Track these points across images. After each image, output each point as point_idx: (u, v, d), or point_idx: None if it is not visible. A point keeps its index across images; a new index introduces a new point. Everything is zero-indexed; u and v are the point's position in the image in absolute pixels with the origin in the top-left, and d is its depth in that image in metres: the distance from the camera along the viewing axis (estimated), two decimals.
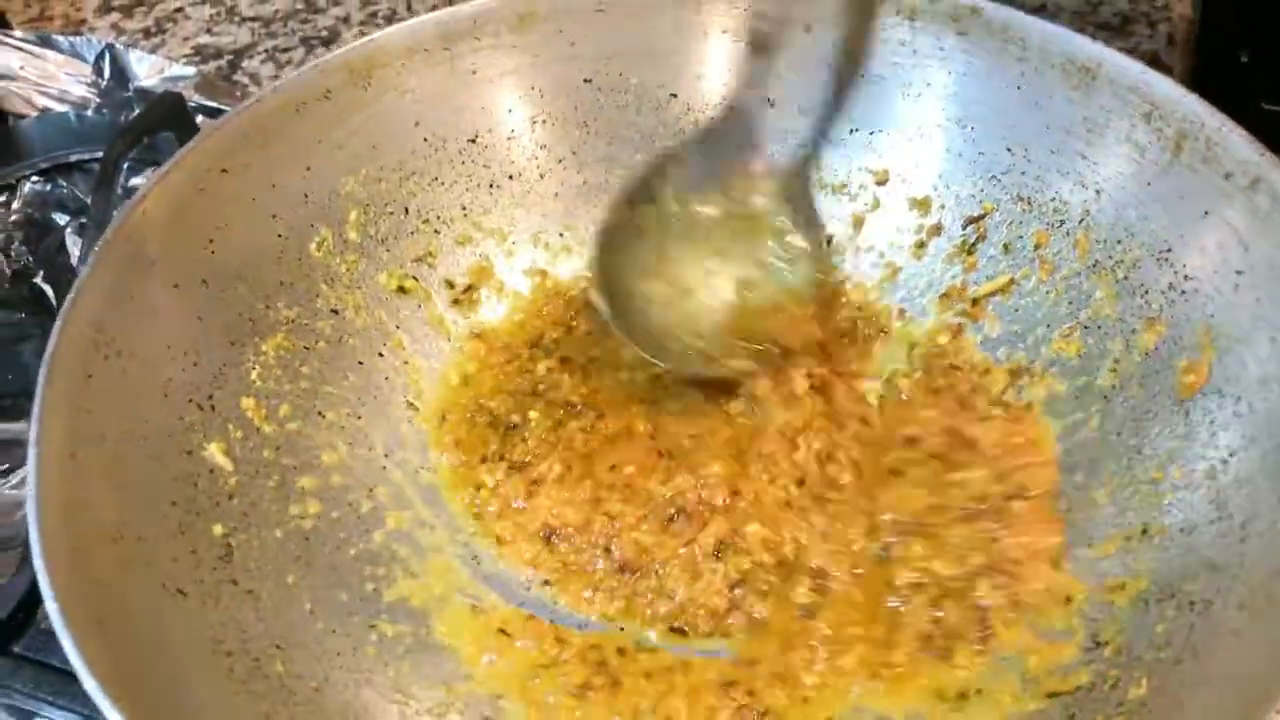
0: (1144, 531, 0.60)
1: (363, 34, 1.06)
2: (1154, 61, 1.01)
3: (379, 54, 0.74)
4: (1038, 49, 0.70)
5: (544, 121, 0.79)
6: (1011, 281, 0.72)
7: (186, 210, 0.66)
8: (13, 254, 0.93)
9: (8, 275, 0.91)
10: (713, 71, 0.79)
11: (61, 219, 0.94)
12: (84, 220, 0.91)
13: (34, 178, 0.96)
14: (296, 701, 0.56)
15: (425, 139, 0.76)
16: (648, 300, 0.71)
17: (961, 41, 0.72)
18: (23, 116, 1.02)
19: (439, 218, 0.77)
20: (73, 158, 0.98)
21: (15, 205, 0.96)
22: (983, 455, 0.67)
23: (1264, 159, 0.61)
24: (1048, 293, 0.71)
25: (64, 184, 0.97)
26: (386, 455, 0.70)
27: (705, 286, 0.71)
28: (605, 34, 0.78)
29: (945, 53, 0.74)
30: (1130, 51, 1.00)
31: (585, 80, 0.79)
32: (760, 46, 0.69)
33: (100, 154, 0.92)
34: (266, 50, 1.09)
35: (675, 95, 0.79)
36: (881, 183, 0.77)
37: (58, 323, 0.58)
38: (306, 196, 0.72)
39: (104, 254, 0.61)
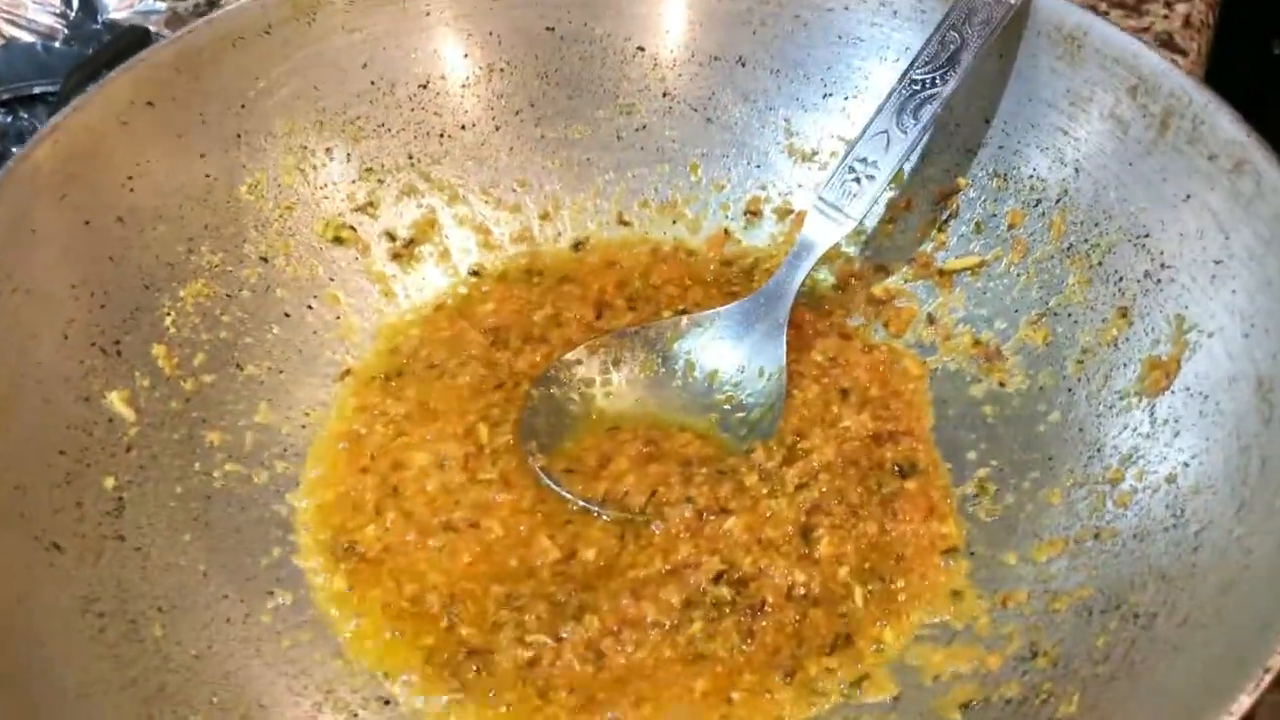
0: (1096, 535, 0.55)
1: None
2: (1167, 43, 0.95)
3: None
4: (1022, 13, 0.65)
5: (501, 70, 0.74)
6: (982, 262, 0.68)
7: (105, 143, 0.62)
8: None
9: None
10: (683, 25, 0.75)
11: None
12: None
13: None
14: (170, 668, 0.52)
15: (373, 82, 0.72)
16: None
17: (943, 4, 0.67)
18: None
19: (384, 166, 0.73)
20: (36, 89, 0.94)
21: None
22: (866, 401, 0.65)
23: (1250, 139, 0.56)
24: (1019, 275, 0.66)
25: (25, 116, 0.94)
26: (307, 415, 0.66)
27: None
28: None
29: (926, 15, 0.69)
30: (1143, 32, 0.95)
31: (547, 28, 0.74)
32: None
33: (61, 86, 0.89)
34: None
35: (642, 49, 0.75)
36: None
37: None
38: (239, 136, 0.68)
39: (7, 182, 0.58)
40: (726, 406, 0.67)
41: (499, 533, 0.61)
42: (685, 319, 0.68)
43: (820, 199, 0.65)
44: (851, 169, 0.65)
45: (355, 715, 0.55)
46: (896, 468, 0.63)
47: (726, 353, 0.67)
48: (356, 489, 0.63)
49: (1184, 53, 0.95)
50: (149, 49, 0.66)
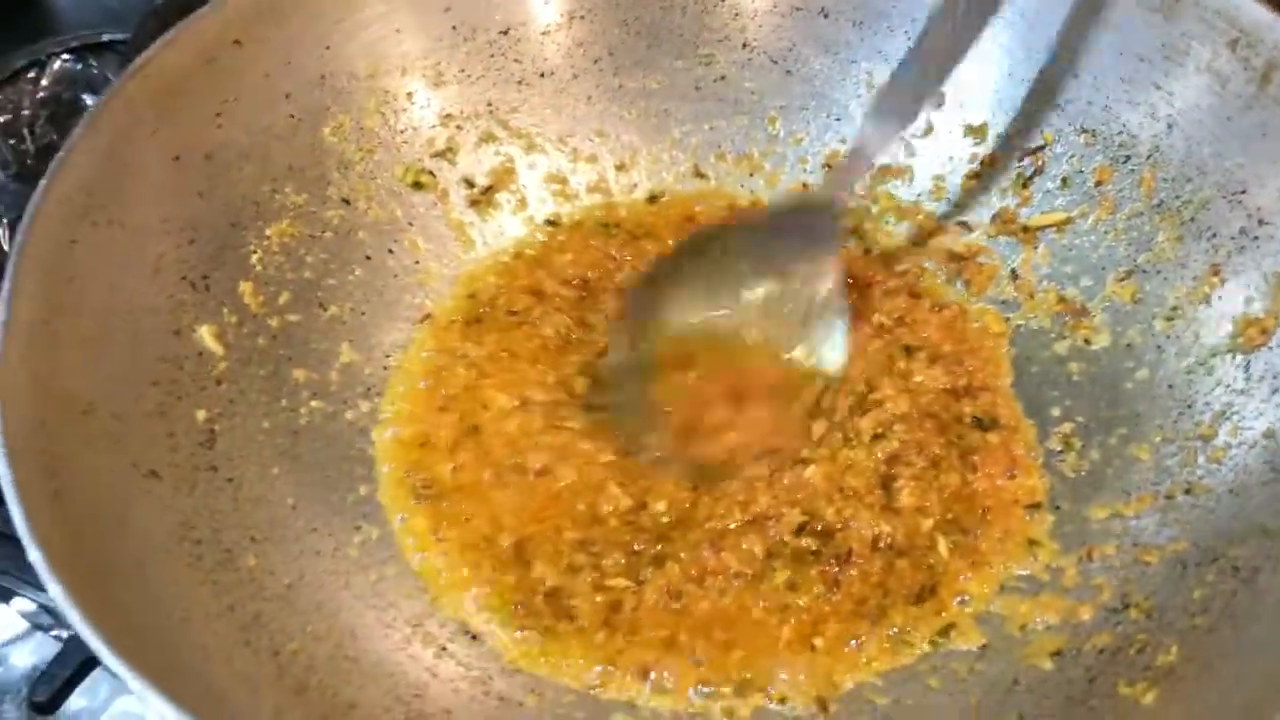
0: (1187, 491, 0.55)
1: None
2: None
3: None
4: None
5: (581, 17, 0.74)
6: (1068, 219, 0.67)
7: (194, 80, 0.63)
8: (37, 130, 0.91)
9: (32, 152, 0.89)
10: None
11: (90, 99, 0.92)
12: None
13: (65, 55, 0.94)
14: (265, 597, 0.53)
15: (454, 27, 0.72)
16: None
17: None
18: None
19: (463, 113, 0.73)
20: (105, 37, 0.95)
21: (44, 82, 0.94)
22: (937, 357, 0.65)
23: None
24: (1105, 233, 0.66)
25: (94, 64, 0.95)
26: (388, 356, 0.67)
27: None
28: None
29: None
30: None
31: None
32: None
33: (132, 35, 0.89)
34: None
35: None
36: (937, 106, 0.71)
37: (44, 181, 0.54)
38: (324, 78, 0.68)
39: (100, 115, 0.58)
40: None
41: (571, 478, 0.61)
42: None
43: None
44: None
45: (444, 648, 0.55)
46: (976, 421, 0.63)
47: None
48: (435, 427, 0.64)
49: None
50: None
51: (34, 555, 0.43)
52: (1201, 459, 0.56)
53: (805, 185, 0.75)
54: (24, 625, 0.65)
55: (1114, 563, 0.55)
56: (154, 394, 0.56)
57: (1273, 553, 0.49)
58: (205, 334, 0.60)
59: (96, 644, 0.42)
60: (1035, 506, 0.60)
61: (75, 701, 0.63)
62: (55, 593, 0.43)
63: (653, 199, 0.75)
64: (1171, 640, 0.49)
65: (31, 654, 0.64)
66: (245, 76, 0.65)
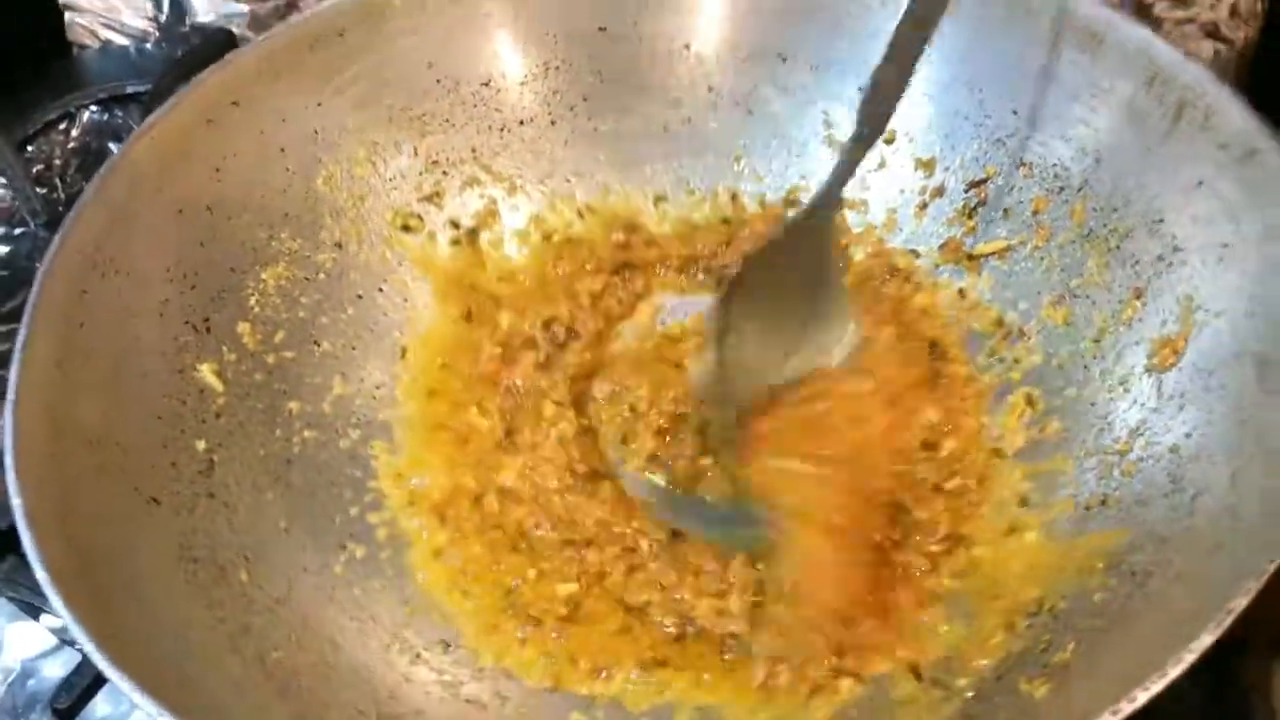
0: (1103, 502, 0.59)
1: None
2: (1213, 33, 0.97)
3: None
4: (1048, 11, 0.68)
5: (557, 68, 0.79)
6: (1009, 246, 0.71)
7: (195, 139, 0.69)
8: (68, 179, 0.98)
9: (63, 200, 0.95)
10: (727, 24, 0.79)
11: (115, 148, 0.97)
12: None
13: (93, 107, 1.01)
14: (255, 610, 0.58)
15: (438, 80, 0.77)
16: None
17: (975, 2, 0.71)
18: (86, 47, 1.06)
19: (448, 159, 0.78)
20: (129, 89, 1.01)
21: (74, 133, 1.00)
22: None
23: (1259, 129, 0.59)
24: (1042, 259, 0.70)
25: (120, 114, 1.01)
26: (378, 388, 0.72)
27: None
28: None
29: (960, 11, 0.72)
30: (1189, 22, 0.97)
31: (599, 28, 0.79)
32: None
33: (153, 87, 0.95)
34: None
35: (688, 47, 0.80)
36: (888, 142, 0.76)
37: (56, 238, 0.61)
38: (316, 132, 0.74)
39: (109, 175, 0.64)
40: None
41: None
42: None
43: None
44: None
45: (419, 655, 0.61)
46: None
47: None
48: (427, 452, 0.70)
49: (1229, 42, 0.97)
50: (233, 53, 0.72)
51: (40, 575, 0.49)
52: (1116, 473, 0.60)
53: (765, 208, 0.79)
54: (53, 640, 0.69)
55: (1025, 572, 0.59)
56: (158, 427, 0.62)
57: (1164, 559, 0.53)
58: (206, 371, 0.66)
59: (96, 655, 0.48)
60: None
61: (100, 708, 0.68)
62: (59, 609, 0.49)
63: (629, 232, 0.80)
64: (1070, 639, 0.53)
65: (61, 666, 0.68)
66: (242, 134, 0.71)
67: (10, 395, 0.54)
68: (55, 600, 0.48)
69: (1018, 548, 0.61)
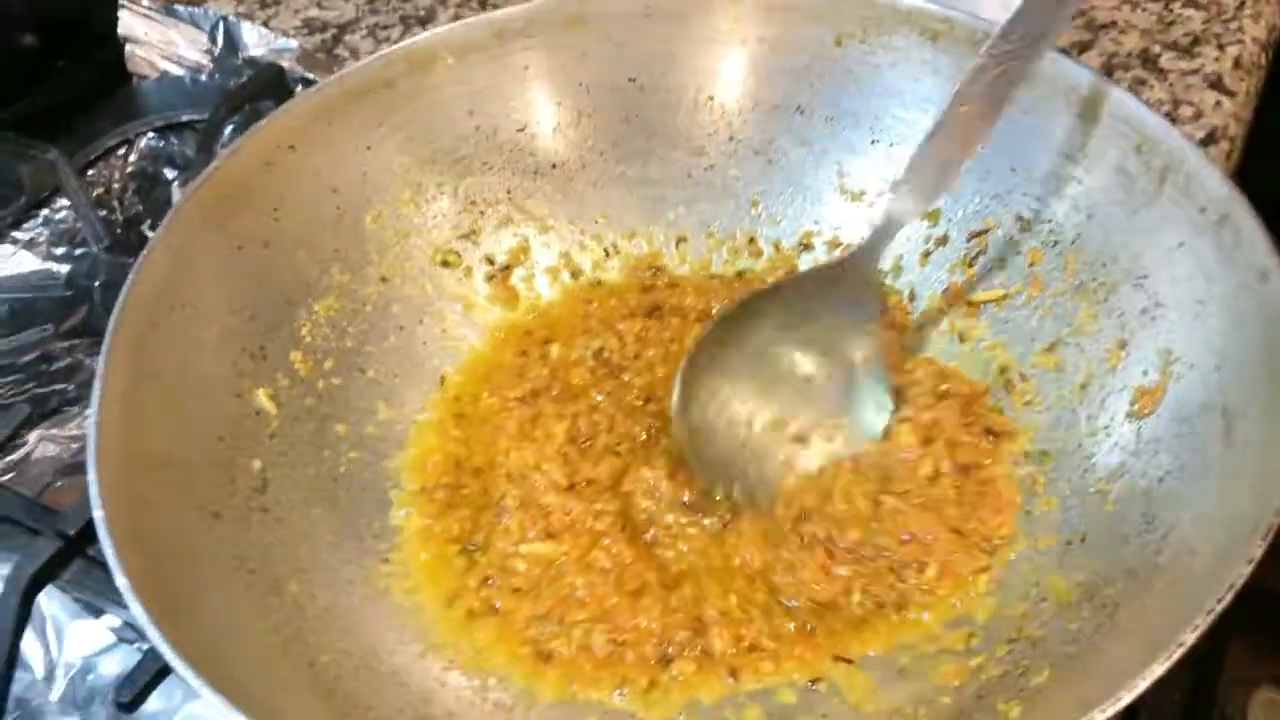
0: (1083, 540, 0.64)
1: (458, 16, 1.14)
2: (1216, 84, 1.02)
3: (439, 48, 0.81)
4: (1046, 77, 0.73)
5: (589, 116, 0.85)
6: (1006, 295, 0.77)
7: (254, 182, 0.75)
8: (126, 202, 1.04)
9: (121, 222, 1.02)
10: (749, 78, 0.85)
11: (170, 174, 1.05)
12: (189, 176, 1.01)
13: (150, 134, 1.07)
14: (304, 618, 0.64)
15: (477, 126, 0.83)
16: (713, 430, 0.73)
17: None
18: (145, 78, 1.13)
19: (485, 199, 0.84)
20: (184, 118, 1.08)
21: (132, 159, 1.06)
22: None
23: (1234, 196, 0.64)
24: (1036, 308, 0.75)
25: (175, 142, 1.08)
26: (420, 413, 0.78)
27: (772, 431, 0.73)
28: (649, 37, 0.84)
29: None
30: (1194, 73, 1.02)
31: (629, 79, 0.85)
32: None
33: (208, 116, 1.02)
34: (368, 26, 1.18)
35: (712, 98, 0.85)
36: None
37: (130, 276, 0.67)
38: (365, 174, 0.80)
39: (176, 218, 0.70)
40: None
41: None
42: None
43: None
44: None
45: (451, 660, 0.66)
46: None
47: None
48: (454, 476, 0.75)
49: (1232, 94, 1.01)
50: (291, 101, 0.78)
51: (120, 581, 0.55)
52: (1096, 511, 0.65)
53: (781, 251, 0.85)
54: (111, 638, 0.73)
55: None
56: (218, 448, 0.68)
57: (1133, 593, 0.58)
58: (262, 396, 0.72)
59: (168, 654, 0.53)
60: None
61: (153, 704, 0.73)
62: (136, 612, 0.55)
63: (654, 275, 0.86)
64: (1045, 665, 0.58)
65: (119, 663, 0.72)
66: (298, 176, 0.77)
67: (92, 419, 0.61)
68: (133, 604, 0.54)
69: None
